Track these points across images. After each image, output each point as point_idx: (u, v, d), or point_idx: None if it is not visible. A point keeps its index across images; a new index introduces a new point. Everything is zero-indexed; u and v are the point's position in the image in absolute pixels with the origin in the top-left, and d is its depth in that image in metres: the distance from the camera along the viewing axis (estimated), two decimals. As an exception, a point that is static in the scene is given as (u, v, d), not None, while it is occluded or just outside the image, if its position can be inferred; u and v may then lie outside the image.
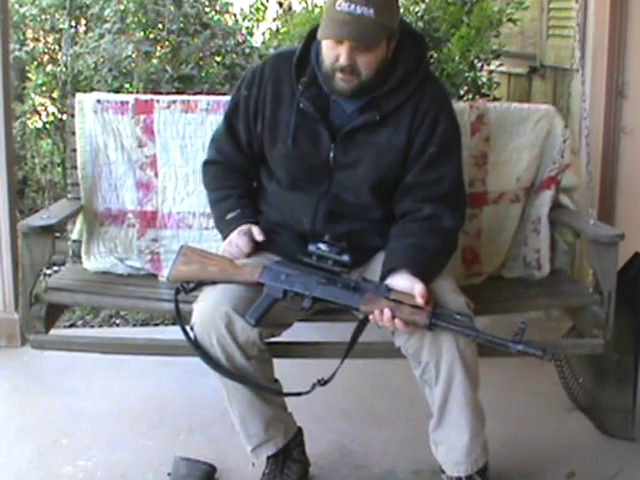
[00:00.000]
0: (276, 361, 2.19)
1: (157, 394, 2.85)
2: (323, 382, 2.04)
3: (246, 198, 2.29)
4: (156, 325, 3.66)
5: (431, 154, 2.14)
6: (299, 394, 2.08)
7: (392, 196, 2.19)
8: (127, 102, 2.57)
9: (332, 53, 2.03)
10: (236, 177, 2.31)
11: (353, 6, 1.96)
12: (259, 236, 2.20)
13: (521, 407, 2.77)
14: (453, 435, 2.13)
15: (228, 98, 2.51)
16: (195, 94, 3.64)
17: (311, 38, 2.15)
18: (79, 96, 2.61)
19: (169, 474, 2.32)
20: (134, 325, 3.69)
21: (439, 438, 2.17)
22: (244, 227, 2.22)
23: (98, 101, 2.57)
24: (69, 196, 2.64)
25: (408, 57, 2.12)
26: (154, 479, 2.35)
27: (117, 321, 3.75)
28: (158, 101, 2.56)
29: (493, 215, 2.62)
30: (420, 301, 1.94)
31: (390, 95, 2.11)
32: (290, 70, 2.15)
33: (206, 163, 2.37)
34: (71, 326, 3.64)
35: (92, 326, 3.67)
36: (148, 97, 2.62)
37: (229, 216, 2.25)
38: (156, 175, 2.59)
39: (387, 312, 1.96)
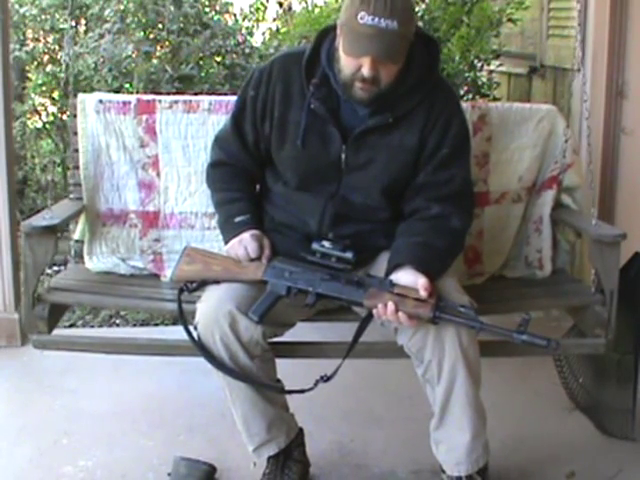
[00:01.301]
0: (277, 362, 2.19)
1: (157, 394, 2.85)
2: (326, 378, 2.05)
3: (255, 204, 2.28)
4: (156, 325, 3.66)
5: (443, 155, 2.14)
6: (302, 391, 2.08)
7: (401, 196, 2.19)
8: (129, 102, 2.56)
9: (354, 64, 1.99)
10: (243, 180, 2.30)
11: (377, 19, 1.91)
12: (267, 250, 2.17)
13: (521, 407, 2.78)
14: (454, 434, 2.13)
15: (230, 98, 2.51)
16: (195, 94, 3.63)
17: (322, 39, 2.14)
18: (81, 96, 2.60)
19: (169, 474, 2.33)
20: (134, 325, 3.70)
21: (440, 437, 2.17)
22: (257, 232, 2.19)
23: (100, 101, 2.56)
24: (71, 196, 2.63)
25: (421, 61, 2.11)
26: (154, 479, 2.35)
27: (117, 321, 3.75)
28: (160, 101, 2.56)
29: (495, 215, 2.62)
30: (424, 294, 1.95)
31: (403, 98, 2.10)
32: (300, 70, 2.13)
33: (212, 164, 2.34)
34: (71, 326, 3.64)
35: (92, 326, 3.67)
36: (150, 97, 2.61)
37: (238, 219, 2.21)
38: (158, 175, 2.58)
39: (391, 305, 1.96)
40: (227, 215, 2.26)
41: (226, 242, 2.22)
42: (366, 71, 1.97)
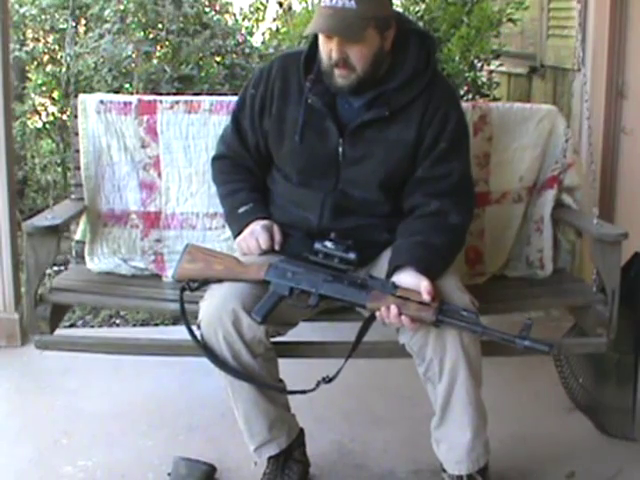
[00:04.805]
0: (280, 361, 2.18)
1: (157, 394, 2.85)
2: (328, 380, 2.05)
3: (257, 192, 2.29)
4: (156, 325, 3.66)
5: (441, 149, 2.16)
6: (304, 392, 2.08)
7: (400, 191, 2.20)
8: (130, 103, 2.56)
9: (326, 49, 2.07)
10: (243, 171, 2.31)
11: (334, 0, 2.00)
12: (278, 236, 2.19)
13: (521, 407, 2.78)
14: (455, 433, 2.13)
15: (231, 98, 2.53)
16: (195, 94, 3.64)
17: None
18: (82, 97, 2.60)
19: (169, 474, 2.32)
20: (134, 325, 3.70)
21: (441, 436, 2.17)
22: (266, 222, 2.21)
23: (101, 102, 2.56)
24: (72, 197, 2.63)
25: (417, 55, 2.15)
26: (154, 479, 2.35)
27: (117, 321, 3.75)
28: (161, 102, 2.56)
29: (496, 215, 2.62)
30: (427, 297, 1.95)
31: (399, 91, 2.13)
32: (298, 68, 2.18)
33: (214, 158, 2.38)
34: (71, 326, 3.63)
35: (92, 326, 3.67)
36: (151, 98, 2.62)
37: (241, 210, 2.24)
38: (159, 176, 2.58)
39: (394, 309, 1.96)
40: (230, 207, 2.28)
41: (235, 235, 2.25)
42: (333, 53, 2.05)
